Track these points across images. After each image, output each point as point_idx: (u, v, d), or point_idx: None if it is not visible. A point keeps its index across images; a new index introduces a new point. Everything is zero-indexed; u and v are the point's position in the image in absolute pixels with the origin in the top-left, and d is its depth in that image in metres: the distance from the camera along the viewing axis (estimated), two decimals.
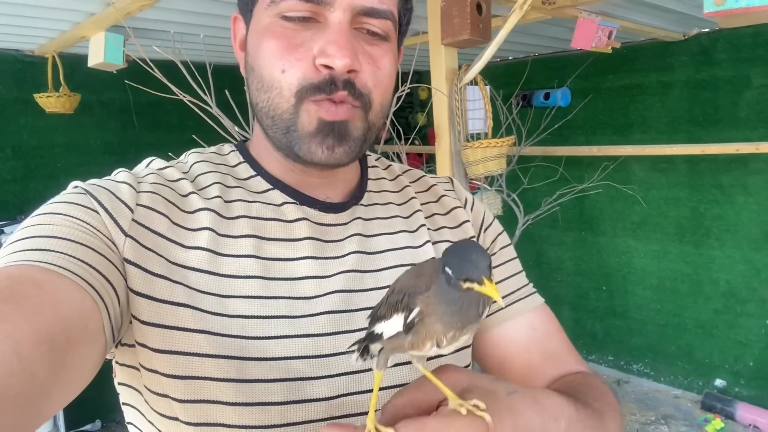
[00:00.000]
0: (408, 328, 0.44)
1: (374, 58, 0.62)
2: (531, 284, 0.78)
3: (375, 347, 0.49)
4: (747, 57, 3.04)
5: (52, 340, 0.43)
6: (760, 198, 3.10)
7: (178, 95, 1.64)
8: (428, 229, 0.74)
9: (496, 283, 0.68)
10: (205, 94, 1.70)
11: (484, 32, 1.90)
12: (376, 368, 0.49)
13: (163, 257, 0.57)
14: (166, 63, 1.67)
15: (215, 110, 1.72)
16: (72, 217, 0.54)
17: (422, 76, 2.70)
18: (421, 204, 0.77)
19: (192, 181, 0.65)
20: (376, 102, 0.63)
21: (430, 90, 2.05)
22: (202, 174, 0.66)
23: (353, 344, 0.54)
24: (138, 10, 2.07)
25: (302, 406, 0.57)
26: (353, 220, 0.69)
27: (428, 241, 0.72)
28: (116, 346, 0.58)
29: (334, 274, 0.64)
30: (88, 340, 0.47)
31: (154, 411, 0.57)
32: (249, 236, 0.62)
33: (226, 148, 0.72)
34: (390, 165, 0.82)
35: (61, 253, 0.50)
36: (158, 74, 1.61)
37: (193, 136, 1.72)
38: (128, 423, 0.64)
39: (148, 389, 0.56)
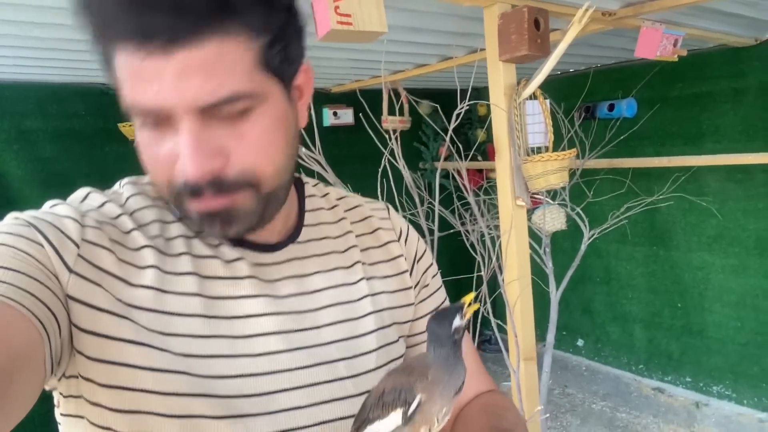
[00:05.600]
0: (408, 420, 0.49)
1: (243, 135, 0.57)
2: None
3: None
4: None
5: (1, 369, 0.43)
6: None
7: None
8: (363, 264, 0.75)
9: (427, 314, 0.80)
10: None
11: (543, 47, 1.90)
12: None
13: (109, 293, 0.57)
14: None
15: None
16: (16, 248, 0.53)
17: (480, 93, 2.73)
18: (357, 236, 0.77)
19: (131, 216, 0.64)
20: (265, 173, 0.60)
21: (488, 106, 2.06)
22: (140, 209, 0.65)
23: None
24: None
25: None
26: (289, 260, 0.69)
27: (363, 278, 0.73)
28: (59, 379, 0.59)
29: (273, 313, 0.64)
30: (32, 371, 0.48)
31: None
32: (192, 274, 0.62)
33: None
34: (327, 193, 0.80)
35: (8, 283, 0.50)
36: None
37: None
38: None
39: (90, 421, 0.58)
